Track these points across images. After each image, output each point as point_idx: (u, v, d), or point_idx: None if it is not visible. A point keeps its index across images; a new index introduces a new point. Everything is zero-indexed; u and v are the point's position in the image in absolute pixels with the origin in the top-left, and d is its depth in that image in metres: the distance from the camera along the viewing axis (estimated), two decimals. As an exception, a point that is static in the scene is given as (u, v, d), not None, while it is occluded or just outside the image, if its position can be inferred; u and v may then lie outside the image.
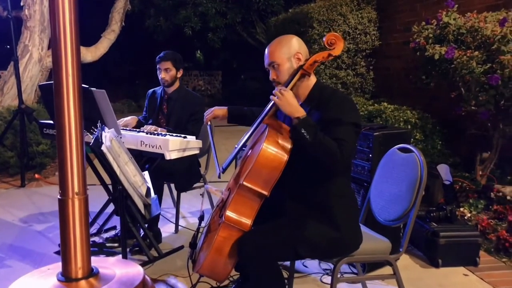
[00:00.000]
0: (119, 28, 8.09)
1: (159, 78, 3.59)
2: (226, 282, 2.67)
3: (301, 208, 2.12)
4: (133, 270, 1.71)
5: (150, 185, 3.00)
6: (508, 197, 3.80)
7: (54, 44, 1.54)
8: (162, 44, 12.34)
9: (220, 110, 2.62)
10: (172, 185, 4.06)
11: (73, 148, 1.56)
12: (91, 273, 1.61)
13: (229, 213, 2.03)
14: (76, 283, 1.56)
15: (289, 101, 2.02)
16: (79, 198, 1.58)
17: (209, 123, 2.69)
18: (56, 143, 1.60)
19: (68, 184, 1.58)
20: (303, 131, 1.95)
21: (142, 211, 2.73)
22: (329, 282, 2.26)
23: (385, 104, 4.93)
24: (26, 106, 5.41)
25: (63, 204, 1.58)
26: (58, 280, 1.59)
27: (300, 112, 2.00)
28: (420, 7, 5.53)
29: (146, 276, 1.69)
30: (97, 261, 1.70)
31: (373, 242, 2.27)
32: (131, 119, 3.66)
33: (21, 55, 6.39)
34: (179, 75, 3.63)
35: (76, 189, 1.58)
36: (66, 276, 1.59)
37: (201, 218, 2.32)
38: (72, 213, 1.58)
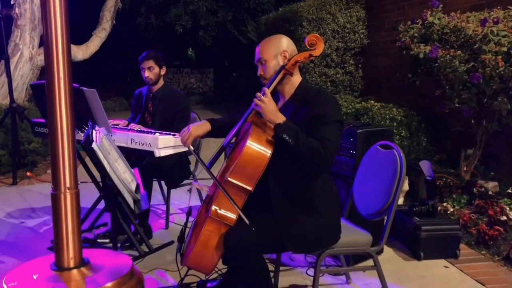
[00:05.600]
0: (110, 26, 8.14)
1: (144, 78, 3.68)
2: (214, 275, 2.75)
3: (285, 203, 2.19)
4: (122, 260, 1.79)
5: (139, 181, 3.07)
6: (490, 192, 3.91)
7: (46, 48, 1.62)
8: (153, 42, 12.38)
9: (199, 128, 2.37)
10: (163, 182, 4.13)
11: (65, 146, 1.64)
12: (82, 263, 1.70)
13: (214, 208, 2.11)
14: (68, 272, 1.64)
15: (270, 109, 2.09)
16: (71, 192, 1.67)
17: (190, 147, 2.31)
18: (48, 141, 1.68)
19: (60, 180, 1.66)
20: (284, 136, 2.04)
21: (132, 206, 2.80)
22: (314, 274, 2.34)
23: (372, 102, 5.03)
24: (18, 105, 5.43)
25: (55, 198, 1.66)
26: (52, 269, 1.66)
27: (280, 118, 2.08)
28: (408, 6, 5.61)
29: (135, 266, 1.77)
30: (88, 253, 1.78)
31: (354, 235, 2.36)
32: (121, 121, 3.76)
33: (11, 53, 6.39)
34: (162, 72, 3.72)
35: (68, 184, 1.66)
36: (58, 265, 1.67)
37: (188, 213, 2.39)
38: (64, 207, 1.66)
